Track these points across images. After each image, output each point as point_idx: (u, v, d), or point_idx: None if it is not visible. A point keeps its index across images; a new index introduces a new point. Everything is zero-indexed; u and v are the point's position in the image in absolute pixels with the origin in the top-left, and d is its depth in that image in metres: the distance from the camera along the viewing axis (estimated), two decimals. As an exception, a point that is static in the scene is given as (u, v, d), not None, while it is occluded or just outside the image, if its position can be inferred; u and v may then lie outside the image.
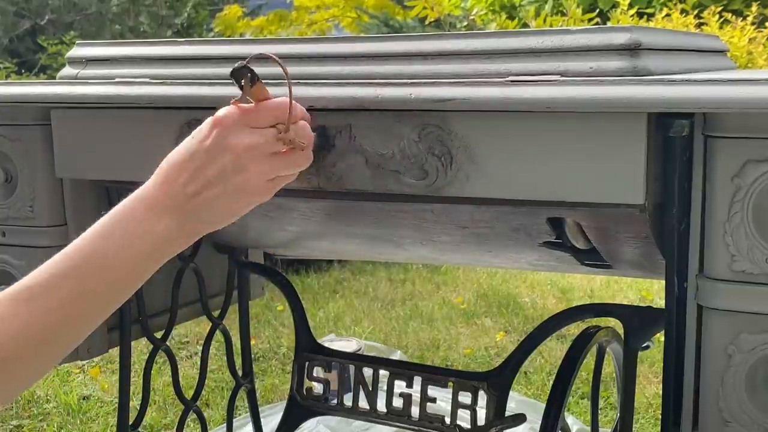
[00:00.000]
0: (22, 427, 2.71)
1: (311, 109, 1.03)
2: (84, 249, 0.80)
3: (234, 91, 0.89)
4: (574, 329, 2.74)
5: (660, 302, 1.07)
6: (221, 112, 0.86)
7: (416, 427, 1.41)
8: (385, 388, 1.43)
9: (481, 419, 1.33)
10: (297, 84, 1.03)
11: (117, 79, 1.20)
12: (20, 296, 0.76)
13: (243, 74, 0.85)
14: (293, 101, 0.88)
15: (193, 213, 0.84)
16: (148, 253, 0.83)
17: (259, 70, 0.87)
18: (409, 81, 0.97)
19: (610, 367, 1.49)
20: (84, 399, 2.89)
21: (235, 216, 0.89)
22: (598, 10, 4.64)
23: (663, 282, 0.98)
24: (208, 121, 0.85)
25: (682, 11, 3.93)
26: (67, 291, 0.77)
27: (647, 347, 1.25)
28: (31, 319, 0.75)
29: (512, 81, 0.92)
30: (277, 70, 0.88)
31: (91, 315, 0.80)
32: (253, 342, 3.24)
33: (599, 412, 1.51)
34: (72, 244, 0.81)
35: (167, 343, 1.55)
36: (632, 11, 4.05)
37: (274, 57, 0.88)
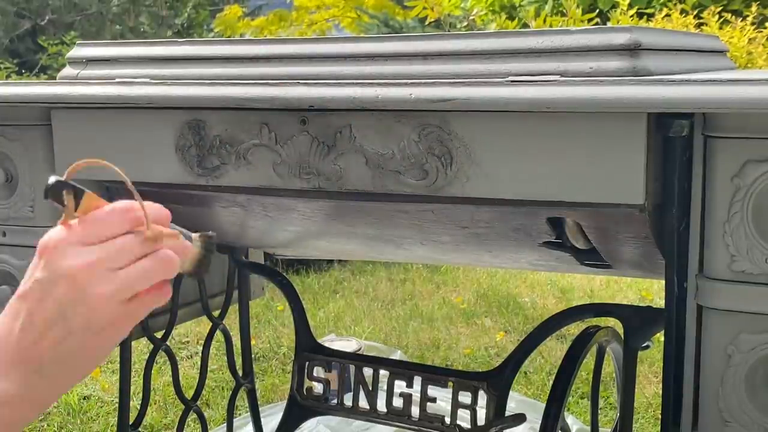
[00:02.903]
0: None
1: (311, 109, 1.03)
2: None
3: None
4: (574, 329, 2.74)
5: (660, 302, 1.07)
6: (46, 236, 0.69)
7: (416, 427, 1.41)
8: (385, 388, 1.43)
9: (481, 419, 1.33)
10: (297, 84, 1.03)
11: (117, 79, 1.20)
12: None
13: (60, 190, 0.70)
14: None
15: (39, 369, 0.67)
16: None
17: None
18: (409, 81, 0.97)
19: (610, 367, 1.49)
20: (84, 399, 2.89)
21: (95, 360, 0.70)
22: (598, 11, 4.64)
23: (663, 282, 0.98)
24: (36, 254, 0.69)
25: (682, 11, 3.93)
26: None
27: (647, 347, 1.25)
28: None
29: (512, 81, 0.92)
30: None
31: None
32: (253, 342, 3.23)
33: (599, 411, 1.51)
34: None
35: (167, 343, 1.55)
36: (632, 11, 4.05)
37: (74, 174, 0.71)
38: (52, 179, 0.68)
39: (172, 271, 0.73)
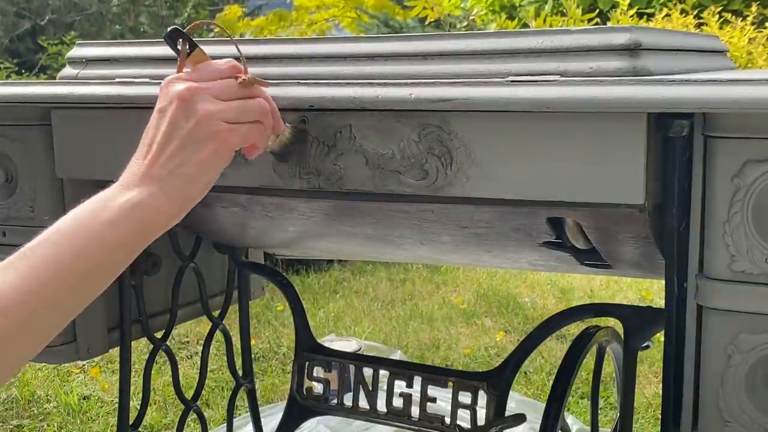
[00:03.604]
0: (23, 427, 2.71)
1: (311, 109, 1.03)
2: (72, 222, 0.82)
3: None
4: (574, 329, 2.74)
5: (660, 302, 1.07)
6: (179, 84, 0.87)
7: (416, 427, 1.41)
8: (385, 388, 1.43)
9: (481, 419, 1.33)
10: (297, 84, 1.03)
11: (117, 79, 1.20)
12: (17, 255, 0.79)
13: (176, 38, 0.87)
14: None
15: (165, 177, 0.84)
16: (137, 230, 0.84)
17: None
18: (409, 81, 0.97)
19: (610, 367, 1.49)
20: (84, 399, 2.89)
21: (206, 169, 0.87)
22: (598, 11, 4.64)
23: (663, 282, 0.98)
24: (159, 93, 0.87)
25: (682, 11, 3.93)
26: (56, 256, 0.79)
27: (647, 347, 1.25)
28: (25, 275, 0.76)
29: (512, 81, 0.92)
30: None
31: (78, 291, 0.82)
32: (253, 342, 3.24)
33: (599, 412, 1.51)
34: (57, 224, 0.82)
35: (167, 343, 1.55)
36: (632, 11, 4.04)
37: (210, 22, 0.99)
38: (170, 28, 0.86)
39: (265, 114, 0.90)
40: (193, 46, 0.87)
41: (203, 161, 0.85)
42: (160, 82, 1.05)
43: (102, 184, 1.31)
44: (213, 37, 8.08)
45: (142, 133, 1.13)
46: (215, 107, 0.84)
